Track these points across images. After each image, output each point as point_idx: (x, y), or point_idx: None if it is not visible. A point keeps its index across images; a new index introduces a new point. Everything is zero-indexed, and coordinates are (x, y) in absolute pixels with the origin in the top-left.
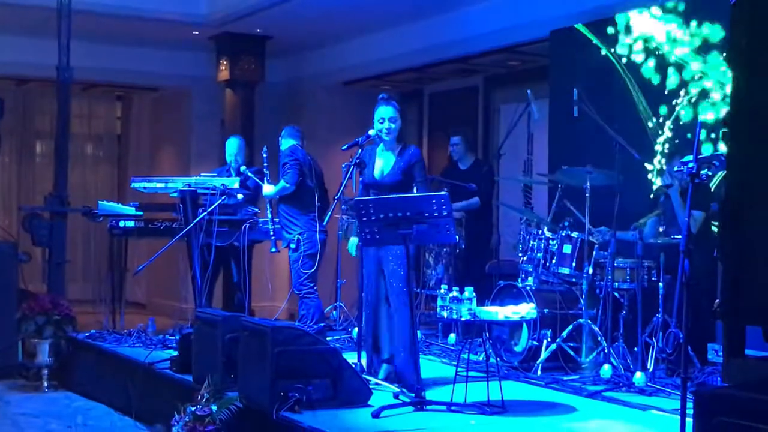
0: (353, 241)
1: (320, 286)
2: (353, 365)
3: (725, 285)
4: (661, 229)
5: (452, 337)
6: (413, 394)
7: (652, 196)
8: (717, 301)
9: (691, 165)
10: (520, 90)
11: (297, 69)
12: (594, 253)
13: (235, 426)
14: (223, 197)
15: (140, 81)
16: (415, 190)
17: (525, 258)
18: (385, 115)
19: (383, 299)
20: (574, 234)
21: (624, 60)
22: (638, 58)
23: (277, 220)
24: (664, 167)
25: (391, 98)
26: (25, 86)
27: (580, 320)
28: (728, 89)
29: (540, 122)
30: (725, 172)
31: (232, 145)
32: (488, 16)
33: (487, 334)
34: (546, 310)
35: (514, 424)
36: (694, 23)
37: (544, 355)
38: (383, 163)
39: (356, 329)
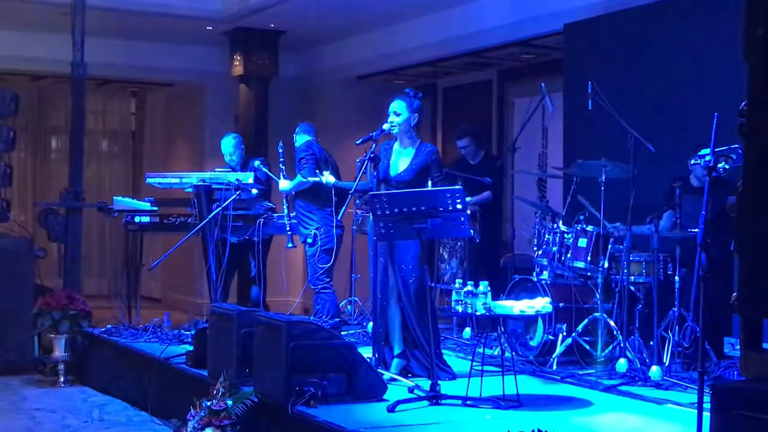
0: None
1: (335, 280)
2: (368, 360)
3: (742, 278)
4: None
5: (467, 331)
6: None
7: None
8: (734, 294)
9: (708, 158)
10: (534, 83)
11: (311, 64)
12: (609, 246)
13: (251, 420)
14: (237, 192)
15: (154, 77)
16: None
17: (540, 252)
18: (391, 109)
19: (393, 293)
20: (590, 228)
21: None
22: None
23: (293, 214)
24: None
25: (408, 93)
26: (40, 82)
27: (596, 314)
28: None
29: (554, 116)
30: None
31: (228, 144)
32: (502, 9)
33: (502, 329)
34: (561, 304)
35: (529, 419)
36: None
37: (559, 349)
38: (399, 160)
39: (371, 324)
